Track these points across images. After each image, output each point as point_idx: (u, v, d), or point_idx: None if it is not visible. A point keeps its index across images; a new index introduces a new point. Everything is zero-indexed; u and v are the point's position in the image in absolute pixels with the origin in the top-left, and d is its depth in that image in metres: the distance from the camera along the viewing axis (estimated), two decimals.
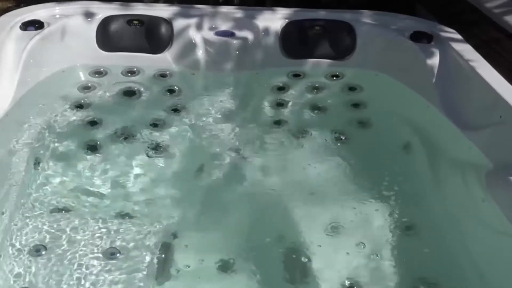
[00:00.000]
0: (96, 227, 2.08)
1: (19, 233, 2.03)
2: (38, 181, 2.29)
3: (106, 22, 2.86)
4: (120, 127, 2.63)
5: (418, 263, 2.07)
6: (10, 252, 1.96)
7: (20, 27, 2.70)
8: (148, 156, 2.49)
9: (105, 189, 2.31)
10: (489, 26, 3.16)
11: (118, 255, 1.98)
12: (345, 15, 2.97)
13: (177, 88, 2.89)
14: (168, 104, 2.79)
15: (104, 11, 2.90)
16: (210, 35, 2.86)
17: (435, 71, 2.65)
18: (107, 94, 2.82)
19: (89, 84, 2.85)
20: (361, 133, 2.72)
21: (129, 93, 2.84)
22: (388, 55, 2.87)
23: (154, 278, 1.93)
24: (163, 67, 2.92)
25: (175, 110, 2.76)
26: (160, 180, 2.38)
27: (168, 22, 2.88)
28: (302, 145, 2.63)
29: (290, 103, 2.86)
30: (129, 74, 2.91)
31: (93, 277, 1.90)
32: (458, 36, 2.77)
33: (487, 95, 2.32)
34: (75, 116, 2.67)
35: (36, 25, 2.72)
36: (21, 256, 1.95)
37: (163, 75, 2.92)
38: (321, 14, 3.00)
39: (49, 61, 2.75)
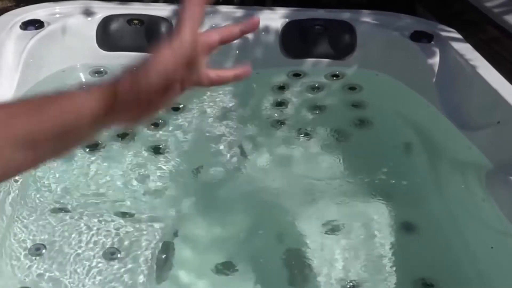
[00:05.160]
0: (96, 227, 2.08)
1: (19, 232, 2.03)
2: (38, 180, 2.29)
3: (106, 22, 2.85)
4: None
5: (418, 263, 2.07)
6: (10, 251, 1.96)
7: (20, 27, 2.70)
8: (148, 155, 2.49)
9: (105, 188, 2.31)
10: (489, 26, 3.15)
11: (118, 254, 1.98)
12: (345, 15, 2.97)
13: None
14: None
15: (104, 10, 2.89)
16: None
17: (435, 70, 2.64)
18: None
19: (89, 84, 2.83)
20: (361, 133, 2.71)
21: None
22: (388, 55, 2.86)
23: (154, 277, 1.93)
24: None
25: (175, 109, 2.76)
26: (160, 179, 2.38)
27: (168, 21, 2.88)
28: (302, 145, 2.63)
29: (290, 103, 2.86)
30: None
31: (93, 276, 1.90)
32: (458, 36, 2.76)
33: (487, 95, 2.32)
34: None
35: (36, 24, 2.72)
36: (21, 255, 1.95)
37: None
38: (321, 13, 2.99)
39: (49, 61, 2.74)
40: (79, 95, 0.76)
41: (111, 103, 0.74)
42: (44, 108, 0.73)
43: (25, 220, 2.08)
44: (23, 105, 0.75)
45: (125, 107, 0.75)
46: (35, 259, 1.94)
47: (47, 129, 0.72)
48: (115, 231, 2.07)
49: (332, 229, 2.16)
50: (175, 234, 2.11)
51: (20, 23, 2.71)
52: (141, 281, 1.90)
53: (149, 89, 0.73)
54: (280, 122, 2.75)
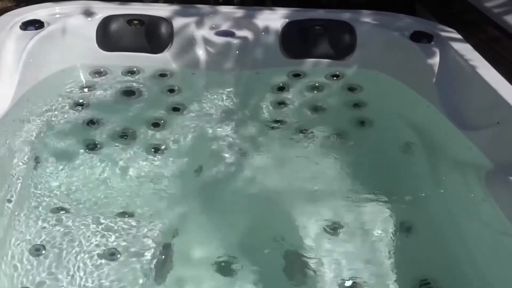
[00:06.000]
0: (96, 227, 2.08)
1: (18, 233, 2.03)
2: (38, 181, 2.29)
3: (106, 22, 2.86)
4: (120, 126, 2.63)
5: (418, 263, 2.07)
6: (10, 251, 1.96)
7: (20, 27, 2.70)
8: (148, 156, 2.49)
9: (104, 189, 2.31)
10: (489, 26, 3.15)
11: (117, 255, 1.98)
12: (345, 15, 2.97)
13: (177, 88, 2.89)
14: (168, 103, 2.80)
15: (104, 10, 2.90)
16: (211, 35, 2.86)
17: (435, 71, 2.65)
18: (107, 94, 2.82)
19: (89, 84, 2.85)
20: (361, 133, 2.72)
21: (129, 93, 2.84)
22: (388, 55, 2.87)
23: (154, 278, 1.93)
24: (163, 66, 2.92)
25: (175, 110, 2.76)
26: (160, 179, 2.38)
27: (168, 21, 2.88)
28: (302, 145, 2.63)
29: (290, 103, 2.86)
30: (129, 74, 2.91)
31: (93, 277, 1.90)
32: (458, 36, 2.77)
33: (487, 95, 2.32)
34: (75, 116, 2.67)
35: (36, 24, 2.72)
36: (21, 255, 1.95)
37: (163, 75, 2.92)
38: (321, 14, 3.00)
39: (49, 61, 2.75)
40: None
41: None
42: None
43: (25, 221, 2.08)
44: None
45: None
46: (35, 259, 1.94)
47: None
48: (114, 231, 2.07)
49: (332, 229, 2.16)
50: (175, 234, 2.11)
51: (20, 23, 2.71)
52: (141, 281, 1.90)
53: None
54: (280, 122, 2.75)
